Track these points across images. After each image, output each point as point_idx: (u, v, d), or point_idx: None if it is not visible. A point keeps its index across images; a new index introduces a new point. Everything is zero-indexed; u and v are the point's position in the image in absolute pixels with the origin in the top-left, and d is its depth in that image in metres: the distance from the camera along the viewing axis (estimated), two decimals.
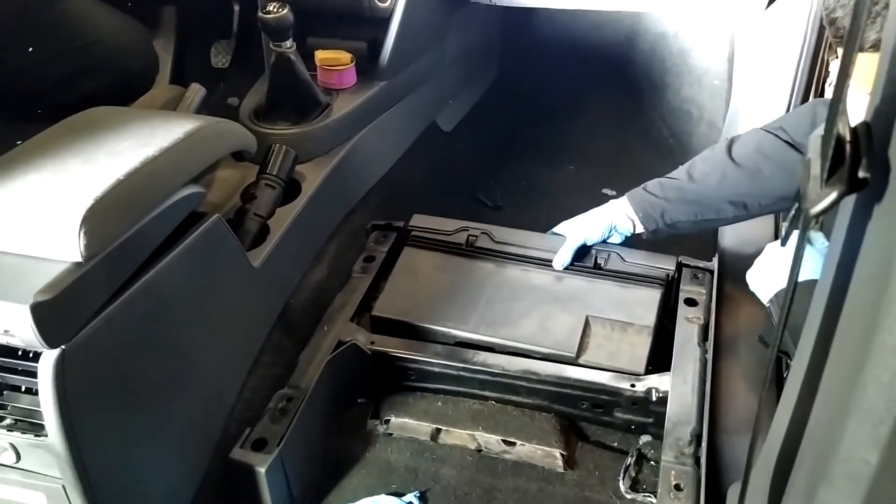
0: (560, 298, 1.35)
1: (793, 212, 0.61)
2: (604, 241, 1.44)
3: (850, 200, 0.46)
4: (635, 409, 1.23)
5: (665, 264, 1.38)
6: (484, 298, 1.36)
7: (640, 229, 1.40)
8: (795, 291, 0.51)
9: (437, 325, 1.33)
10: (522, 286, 1.38)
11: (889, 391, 0.39)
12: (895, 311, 0.38)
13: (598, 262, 1.41)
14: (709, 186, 1.32)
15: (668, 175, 1.39)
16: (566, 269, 1.41)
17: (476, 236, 1.49)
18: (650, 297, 1.33)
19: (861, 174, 0.40)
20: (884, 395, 0.39)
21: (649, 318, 1.29)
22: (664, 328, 1.32)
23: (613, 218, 1.41)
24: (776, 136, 1.30)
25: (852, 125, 0.42)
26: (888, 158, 0.40)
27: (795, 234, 0.52)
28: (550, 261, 1.42)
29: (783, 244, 1.15)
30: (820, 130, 0.45)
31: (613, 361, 1.24)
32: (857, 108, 0.65)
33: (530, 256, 1.45)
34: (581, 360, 1.25)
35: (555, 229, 1.49)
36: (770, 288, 1.14)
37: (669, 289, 1.37)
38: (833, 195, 0.41)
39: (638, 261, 1.39)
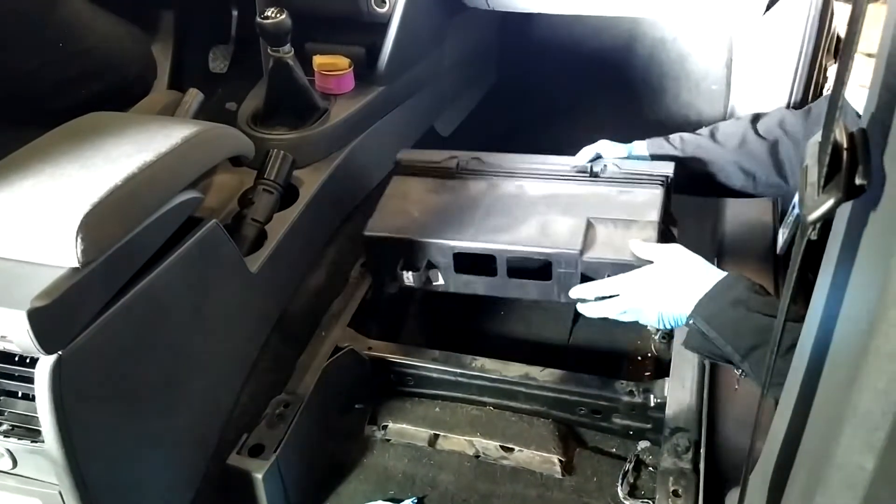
0: (559, 204, 1.29)
1: (790, 217, 0.61)
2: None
3: (847, 207, 0.46)
4: (633, 414, 1.23)
5: (662, 169, 1.32)
6: (480, 211, 1.30)
7: None
8: (793, 295, 0.51)
9: (433, 239, 1.26)
10: (519, 197, 1.33)
11: (885, 397, 0.39)
12: (891, 317, 0.38)
13: (595, 171, 1.35)
14: (727, 148, 1.32)
15: (694, 133, 1.39)
16: (562, 176, 1.36)
17: (467, 161, 1.43)
18: (651, 196, 1.28)
19: (858, 181, 0.40)
20: (880, 401, 0.39)
21: (652, 214, 1.24)
22: (667, 231, 1.28)
23: (633, 147, 1.40)
24: (799, 116, 1.31)
25: (849, 132, 0.42)
26: (884, 165, 0.40)
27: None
28: (547, 174, 1.38)
29: (781, 251, 1.16)
30: (817, 137, 0.45)
31: (620, 255, 1.18)
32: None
33: (526, 170, 1.39)
34: (586, 257, 1.19)
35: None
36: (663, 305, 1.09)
37: (669, 190, 1.31)
38: (830, 202, 0.41)
39: (634, 167, 1.34)
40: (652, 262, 1.13)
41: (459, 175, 1.40)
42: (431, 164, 1.42)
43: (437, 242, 1.26)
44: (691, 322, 1.04)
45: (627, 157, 1.38)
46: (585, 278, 1.21)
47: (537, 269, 1.23)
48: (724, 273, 1.06)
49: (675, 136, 1.39)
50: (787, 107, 1.59)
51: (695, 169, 1.34)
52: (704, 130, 1.38)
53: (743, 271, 1.35)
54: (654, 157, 1.37)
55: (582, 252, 1.19)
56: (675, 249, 1.13)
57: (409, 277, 1.27)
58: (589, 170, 1.35)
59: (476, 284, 1.28)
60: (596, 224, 1.25)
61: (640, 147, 1.40)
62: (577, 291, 1.19)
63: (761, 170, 1.31)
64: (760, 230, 1.47)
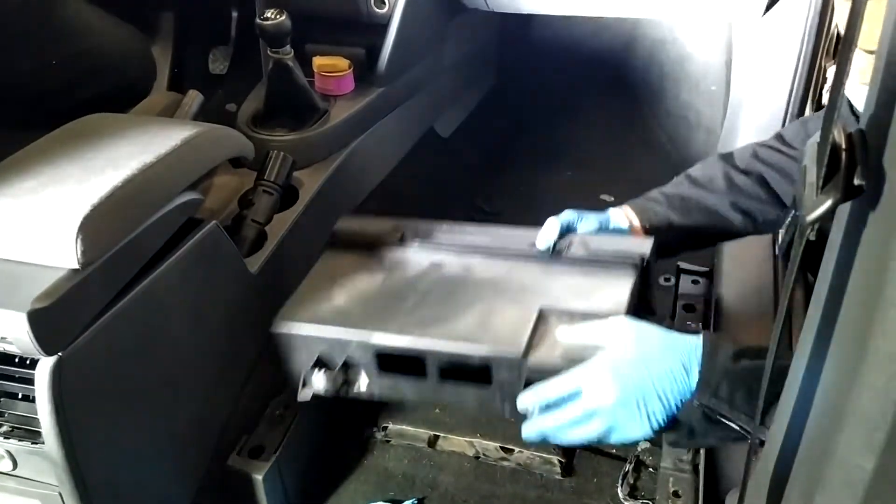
0: (509, 290, 1.07)
1: (789, 219, 0.61)
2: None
3: (846, 208, 0.46)
4: None
5: (637, 247, 1.09)
6: (414, 297, 1.07)
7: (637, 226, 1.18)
8: (791, 301, 0.51)
9: (351, 332, 1.01)
10: (464, 281, 1.10)
11: (884, 397, 0.39)
12: (890, 317, 0.38)
13: (558, 249, 1.11)
14: (717, 192, 1.18)
15: (669, 185, 1.24)
16: (517, 256, 1.12)
17: (414, 232, 1.19)
18: (619, 283, 1.04)
19: (856, 182, 0.40)
20: (879, 401, 0.39)
21: (619, 304, 1.00)
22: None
23: (610, 215, 1.18)
24: (772, 146, 1.22)
25: (847, 132, 0.42)
26: (883, 166, 0.40)
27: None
28: (502, 250, 1.14)
29: (780, 251, 1.13)
30: (816, 137, 0.45)
31: (575, 358, 0.92)
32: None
33: (480, 246, 1.15)
34: (532, 361, 0.94)
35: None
36: None
37: (645, 274, 1.09)
38: (828, 203, 0.41)
39: (605, 245, 1.10)
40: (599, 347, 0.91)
41: (400, 249, 1.17)
42: (370, 236, 1.18)
43: (356, 338, 1.01)
44: (696, 404, 0.84)
45: (601, 231, 1.15)
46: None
47: (476, 370, 0.98)
48: (690, 336, 0.89)
49: (654, 194, 1.21)
50: (787, 106, 1.60)
51: (691, 222, 1.17)
52: (680, 180, 1.23)
53: (742, 274, 1.36)
54: (645, 226, 1.17)
55: (526, 354, 0.94)
56: (620, 324, 0.93)
57: (319, 380, 1.03)
58: (551, 247, 1.12)
59: (404, 388, 1.04)
60: (549, 316, 1.01)
61: (618, 215, 1.18)
62: (524, 399, 0.92)
63: (758, 206, 1.18)
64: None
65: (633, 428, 0.87)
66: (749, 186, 1.18)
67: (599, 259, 1.07)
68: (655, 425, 0.86)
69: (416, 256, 1.15)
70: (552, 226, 1.12)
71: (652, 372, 0.86)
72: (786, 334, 1.18)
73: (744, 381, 0.82)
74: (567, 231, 1.13)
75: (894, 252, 0.37)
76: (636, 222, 1.18)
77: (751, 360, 0.83)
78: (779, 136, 1.24)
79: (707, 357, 0.85)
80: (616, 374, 0.87)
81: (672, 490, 1.07)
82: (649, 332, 0.90)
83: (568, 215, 1.14)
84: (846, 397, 0.42)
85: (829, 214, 0.42)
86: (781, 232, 1.17)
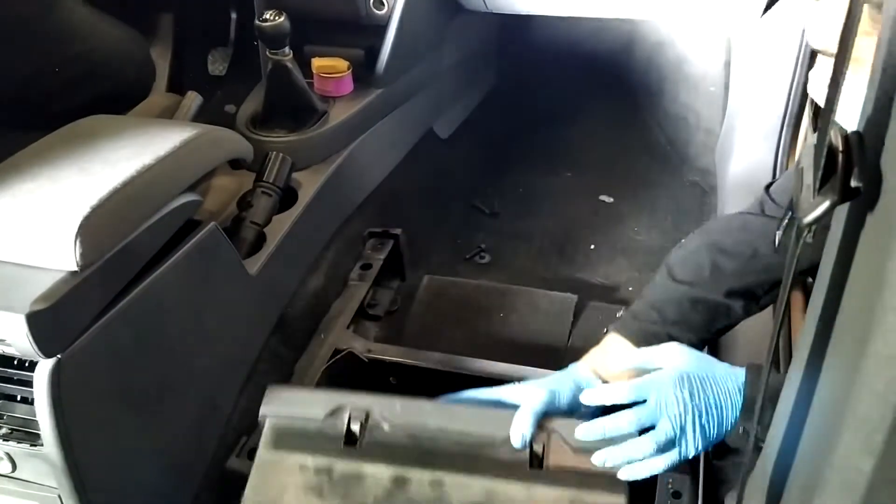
0: None
1: (786, 220, 0.61)
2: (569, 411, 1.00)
3: (843, 209, 0.46)
4: None
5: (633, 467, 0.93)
6: None
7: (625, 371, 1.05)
8: (787, 306, 0.51)
9: None
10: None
11: (883, 400, 0.39)
12: (889, 320, 0.38)
13: (535, 450, 0.94)
14: (707, 286, 1.05)
15: (649, 290, 1.10)
16: (495, 468, 0.94)
17: (362, 421, 0.97)
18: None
19: (853, 183, 0.40)
20: (878, 404, 0.39)
21: None
22: None
23: (581, 375, 1.05)
24: (759, 214, 1.11)
25: (844, 134, 0.42)
26: (880, 167, 0.40)
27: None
28: (476, 453, 0.95)
29: (776, 251, 1.12)
30: (813, 139, 0.45)
31: None
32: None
33: (446, 451, 0.95)
34: None
35: (501, 394, 1.03)
36: None
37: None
38: (825, 204, 0.41)
39: (587, 442, 0.93)
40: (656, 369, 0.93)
41: (356, 459, 0.96)
42: (309, 431, 0.98)
43: None
44: (741, 430, 0.87)
45: (580, 413, 1.00)
46: None
47: None
48: (738, 368, 0.92)
49: (644, 311, 1.07)
50: (785, 107, 1.60)
51: (693, 329, 1.06)
52: (662, 279, 1.10)
53: None
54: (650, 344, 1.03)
55: None
56: (676, 348, 0.96)
57: None
58: (528, 453, 0.94)
59: None
60: None
61: (587, 372, 1.06)
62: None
63: (754, 280, 1.06)
64: None
65: (687, 447, 0.90)
66: (741, 266, 1.06)
67: (587, 476, 0.92)
68: (705, 445, 0.90)
69: (374, 470, 0.94)
70: (524, 419, 0.95)
71: (713, 397, 0.89)
72: (785, 336, 1.18)
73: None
74: (543, 414, 0.97)
75: (892, 254, 0.37)
76: (616, 367, 1.04)
77: None
78: (760, 204, 1.13)
79: (749, 385, 0.88)
80: (682, 388, 0.90)
81: (671, 491, 1.07)
82: (707, 358, 0.94)
83: (539, 399, 0.97)
84: (845, 400, 0.42)
85: (827, 216, 0.42)
86: (779, 233, 1.16)
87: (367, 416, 0.97)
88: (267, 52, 1.41)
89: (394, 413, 0.98)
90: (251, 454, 1.14)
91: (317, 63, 1.56)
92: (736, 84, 1.87)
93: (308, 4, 1.60)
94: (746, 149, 1.69)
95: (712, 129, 2.07)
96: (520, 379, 1.26)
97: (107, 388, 0.94)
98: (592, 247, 1.89)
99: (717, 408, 0.89)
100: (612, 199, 2.07)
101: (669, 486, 1.08)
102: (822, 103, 0.93)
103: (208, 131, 1.15)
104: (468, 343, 1.45)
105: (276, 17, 1.35)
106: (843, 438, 0.42)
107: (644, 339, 1.04)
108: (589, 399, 0.95)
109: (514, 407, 0.97)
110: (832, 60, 0.83)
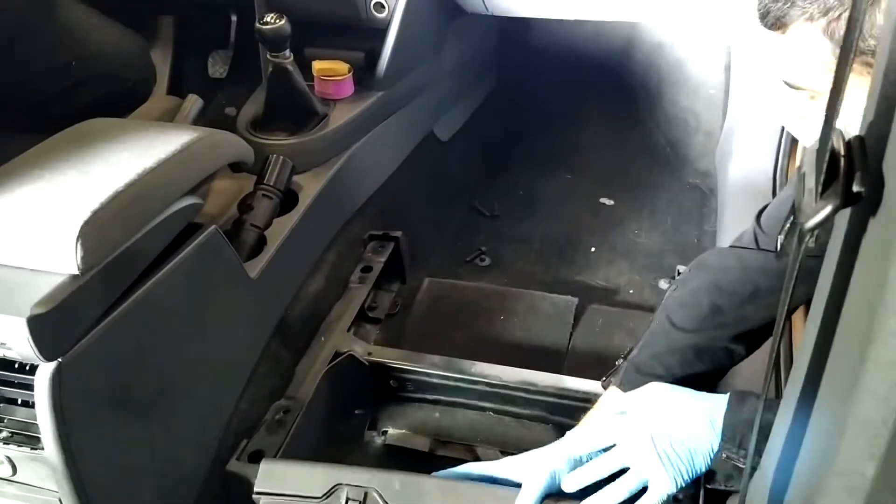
0: None
1: (788, 225, 0.61)
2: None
3: (845, 214, 0.46)
4: None
5: None
6: None
7: None
8: (788, 311, 0.51)
9: None
10: None
11: (885, 404, 0.39)
12: (891, 325, 0.38)
13: None
14: (709, 332, 1.03)
15: (649, 338, 1.07)
16: None
17: (360, 501, 0.95)
18: None
19: (855, 188, 0.40)
20: (880, 408, 0.39)
21: None
22: None
23: (577, 449, 0.96)
24: (753, 249, 1.08)
25: (846, 139, 0.42)
26: (882, 172, 0.40)
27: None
28: None
29: (778, 258, 1.11)
30: (815, 144, 0.45)
31: None
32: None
33: None
34: None
35: (500, 471, 0.98)
36: None
37: None
38: (828, 209, 0.41)
39: None
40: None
41: None
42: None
43: None
44: (723, 456, 0.87)
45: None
46: None
47: None
48: (718, 395, 0.91)
49: (646, 361, 1.04)
50: None
51: (699, 378, 1.03)
52: (662, 326, 1.07)
53: None
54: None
55: None
56: (653, 392, 0.95)
57: None
58: None
59: None
60: None
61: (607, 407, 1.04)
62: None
63: (759, 318, 1.03)
64: None
65: (664, 483, 0.89)
66: (743, 308, 1.03)
67: None
68: (682, 482, 0.90)
69: None
70: (529, 495, 0.92)
71: (678, 432, 0.89)
72: (786, 340, 1.18)
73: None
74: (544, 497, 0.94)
75: (894, 258, 0.37)
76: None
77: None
78: (758, 229, 1.10)
79: (730, 412, 0.88)
80: (650, 438, 0.89)
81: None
82: (678, 397, 0.93)
83: (539, 484, 0.92)
84: (847, 404, 0.42)
85: (828, 221, 0.42)
86: (780, 238, 1.16)
87: (365, 497, 0.96)
88: (267, 55, 1.41)
89: (392, 492, 0.96)
90: (252, 457, 1.14)
91: (317, 66, 1.57)
92: (736, 87, 1.87)
93: (308, 7, 1.60)
94: (746, 151, 1.70)
95: (712, 131, 2.07)
96: (520, 382, 1.26)
97: (107, 392, 0.94)
98: (593, 249, 1.89)
99: (686, 444, 0.89)
100: (612, 202, 2.07)
101: None
102: (798, 136, 0.94)
103: (209, 134, 1.15)
104: (468, 346, 1.46)
105: (277, 20, 1.35)
106: (845, 443, 0.42)
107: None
108: (570, 487, 0.92)
109: (513, 484, 0.95)
110: (800, 94, 0.84)
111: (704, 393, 0.93)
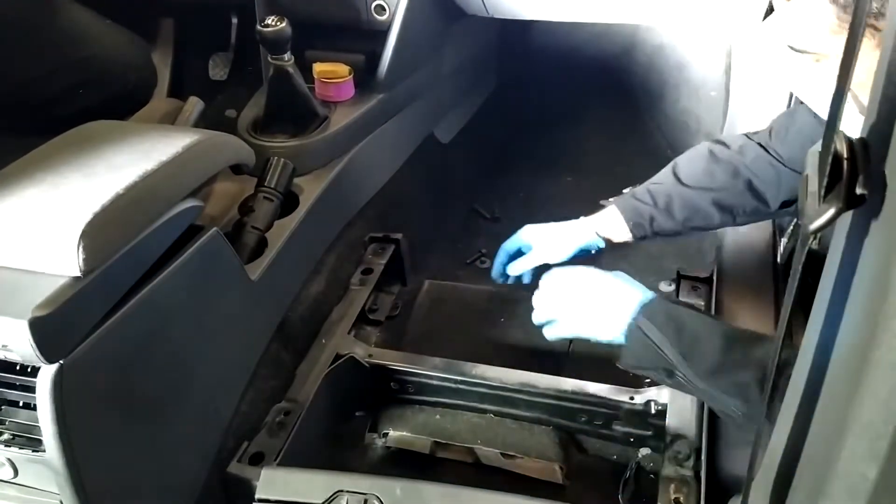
0: None
1: (791, 227, 0.61)
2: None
3: (848, 216, 0.46)
4: (634, 421, 1.23)
5: None
6: None
7: (620, 238, 1.34)
8: (792, 312, 0.51)
9: None
10: None
11: (887, 406, 0.39)
12: (893, 327, 0.38)
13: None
14: (699, 189, 1.28)
15: (655, 177, 1.34)
16: None
17: None
18: None
19: (858, 191, 0.40)
20: (882, 410, 0.39)
21: None
22: None
23: (584, 238, 1.34)
24: (759, 146, 1.28)
25: (849, 141, 0.42)
26: (885, 175, 0.40)
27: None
28: None
29: (782, 261, 1.16)
30: (817, 146, 0.45)
31: None
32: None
33: None
34: None
35: (519, 234, 1.38)
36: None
37: None
38: (831, 212, 0.41)
39: None
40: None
41: None
42: None
43: None
44: (635, 324, 1.03)
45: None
46: None
47: None
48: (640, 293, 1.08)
49: (641, 191, 1.33)
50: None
51: (675, 219, 1.29)
52: (665, 172, 1.34)
53: (742, 280, 1.36)
54: (634, 226, 1.31)
55: None
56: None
57: None
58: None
59: None
60: None
61: (603, 218, 1.34)
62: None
63: (738, 201, 1.27)
64: (760, 240, 1.47)
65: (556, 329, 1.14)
66: (731, 184, 1.27)
67: None
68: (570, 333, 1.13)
69: None
70: (526, 262, 1.27)
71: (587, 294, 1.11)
72: (788, 342, 1.18)
73: (676, 319, 1.00)
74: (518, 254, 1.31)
75: None
76: (620, 237, 1.33)
77: (687, 309, 1.02)
78: (768, 133, 1.29)
79: (656, 298, 1.06)
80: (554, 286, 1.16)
81: (673, 497, 1.07)
82: (614, 275, 1.13)
83: (539, 247, 1.30)
84: (849, 407, 0.42)
85: (831, 223, 0.42)
86: (783, 241, 1.17)
87: (366, 503, 0.97)
88: (268, 58, 1.41)
89: (393, 498, 0.97)
90: (252, 459, 1.14)
91: (318, 68, 1.57)
92: (737, 89, 1.87)
93: (309, 10, 1.60)
94: None
95: (713, 133, 2.07)
96: (521, 384, 1.26)
97: (109, 394, 0.94)
98: (593, 251, 1.88)
99: (588, 306, 1.10)
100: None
101: (671, 492, 1.08)
102: (801, 98, 1.05)
103: (210, 137, 1.15)
104: (469, 348, 1.45)
105: (278, 23, 1.35)
106: (847, 445, 0.42)
107: (634, 214, 1.31)
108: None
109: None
110: (806, 57, 0.88)
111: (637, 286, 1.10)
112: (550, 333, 1.17)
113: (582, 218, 1.36)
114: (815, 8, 0.84)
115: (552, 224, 1.37)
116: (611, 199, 1.35)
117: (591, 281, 1.13)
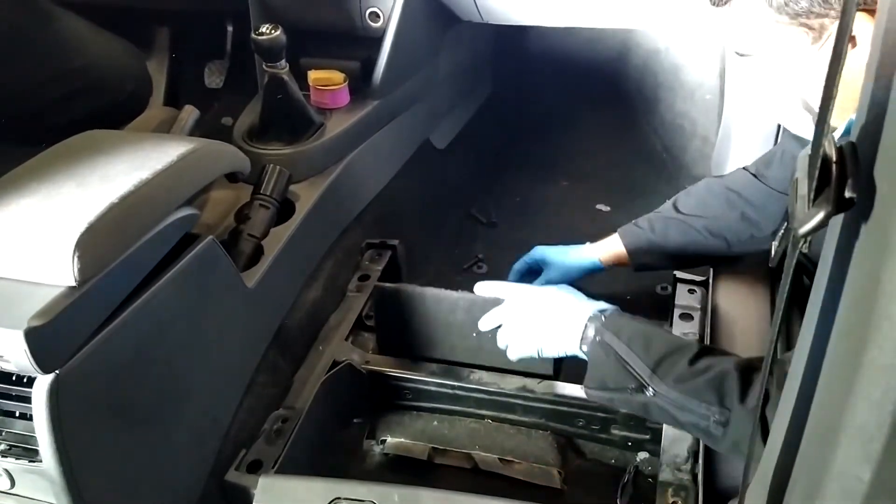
0: None
1: (781, 231, 0.62)
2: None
3: (838, 220, 0.46)
4: (632, 425, 1.23)
5: None
6: None
7: (621, 263, 1.46)
8: (786, 313, 0.51)
9: None
10: None
11: (880, 408, 0.39)
12: (885, 330, 0.38)
13: None
14: (691, 217, 1.37)
15: (660, 208, 1.44)
16: None
17: None
18: None
19: (847, 194, 0.40)
20: (875, 413, 0.40)
21: None
22: None
23: (588, 262, 1.48)
24: (752, 173, 1.36)
25: (838, 145, 0.42)
26: (874, 178, 0.40)
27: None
28: None
29: (773, 264, 1.18)
30: (807, 150, 0.45)
31: None
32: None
33: None
34: None
35: (531, 254, 1.53)
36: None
37: None
38: (820, 215, 0.41)
39: None
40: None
41: None
42: None
43: None
44: (598, 339, 1.04)
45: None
46: None
47: None
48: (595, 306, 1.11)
49: (643, 221, 1.43)
50: None
51: (670, 247, 1.38)
52: (666, 203, 1.43)
53: (738, 282, 1.36)
54: (628, 247, 1.42)
55: None
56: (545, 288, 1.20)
57: None
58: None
59: None
60: None
61: (604, 247, 1.46)
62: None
63: (733, 228, 1.34)
64: None
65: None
66: (724, 215, 1.35)
67: None
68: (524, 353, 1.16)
69: None
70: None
71: (560, 319, 1.11)
72: (782, 344, 1.19)
73: (643, 334, 1.02)
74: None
75: (887, 263, 0.38)
76: (613, 260, 1.46)
77: (650, 324, 1.04)
78: (761, 162, 1.37)
79: (616, 311, 1.09)
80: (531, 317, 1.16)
81: (671, 501, 1.07)
82: (567, 296, 1.15)
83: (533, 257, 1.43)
84: (842, 409, 0.42)
85: (821, 227, 0.42)
86: (775, 244, 1.18)
87: None
88: (263, 65, 1.42)
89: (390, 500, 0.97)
90: (250, 467, 1.14)
91: (313, 75, 1.57)
92: (731, 92, 1.87)
93: (304, 17, 1.61)
94: (742, 157, 1.70)
95: (708, 136, 2.07)
96: (518, 389, 1.26)
97: (105, 404, 0.94)
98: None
99: (536, 323, 1.13)
100: (608, 208, 2.07)
101: (669, 495, 1.08)
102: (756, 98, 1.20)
103: (205, 145, 1.15)
104: (466, 354, 1.45)
105: (272, 31, 1.36)
106: (841, 447, 0.42)
107: (633, 239, 1.42)
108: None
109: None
110: (748, 60, 0.93)
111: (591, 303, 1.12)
112: (512, 354, 1.19)
113: (588, 244, 1.50)
114: (752, 12, 0.88)
115: (560, 248, 1.51)
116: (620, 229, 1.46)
117: (539, 299, 1.16)
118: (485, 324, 1.23)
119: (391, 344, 1.35)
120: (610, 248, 1.46)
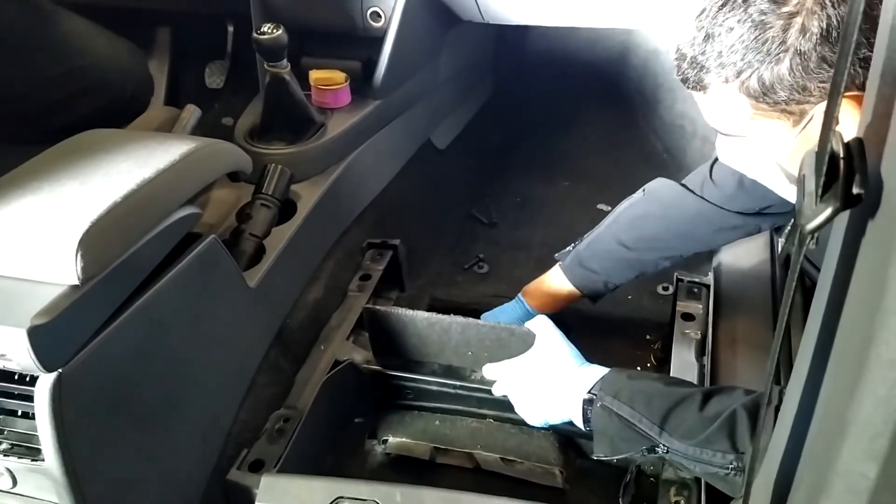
0: None
1: (788, 228, 0.62)
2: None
3: (845, 216, 0.46)
4: None
5: None
6: None
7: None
8: (790, 314, 0.51)
9: None
10: None
11: (886, 405, 0.39)
12: (891, 325, 0.38)
13: None
14: (644, 252, 1.37)
15: (596, 240, 1.41)
16: None
17: None
18: None
19: (855, 190, 0.40)
20: (881, 409, 0.39)
21: None
22: None
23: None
24: (697, 195, 1.34)
25: (845, 141, 0.42)
26: (881, 174, 0.40)
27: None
28: None
29: (780, 260, 1.18)
30: (814, 147, 0.45)
31: None
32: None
33: None
34: None
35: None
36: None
37: None
38: (828, 211, 0.41)
39: None
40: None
41: None
42: None
43: None
44: (598, 405, 1.02)
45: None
46: None
47: None
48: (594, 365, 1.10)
49: (592, 262, 1.40)
50: None
51: (628, 274, 1.40)
52: (610, 229, 1.41)
53: (741, 282, 1.36)
54: (590, 292, 1.42)
55: None
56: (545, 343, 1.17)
57: None
58: None
59: None
60: None
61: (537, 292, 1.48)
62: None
63: (686, 249, 1.37)
64: (757, 243, 1.47)
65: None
66: (676, 241, 1.36)
67: None
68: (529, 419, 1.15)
69: None
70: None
71: (552, 389, 1.10)
72: (786, 342, 1.19)
73: (643, 391, 0.99)
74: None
75: (893, 259, 0.38)
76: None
77: (649, 379, 1.01)
78: (708, 179, 1.34)
79: (609, 373, 1.05)
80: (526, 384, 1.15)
81: (674, 500, 1.07)
82: (561, 356, 1.13)
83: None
84: (848, 405, 0.42)
85: (829, 223, 0.42)
86: (781, 240, 1.18)
87: None
88: (265, 65, 1.42)
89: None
90: (252, 466, 1.14)
91: (314, 75, 1.57)
92: None
93: (305, 17, 1.61)
94: None
95: (708, 137, 2.07)
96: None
97: (108, 402, 0.94)
98: None
99: (537, 397, 1.11)
100: (609, 208, 2.07)
101: (672, 495, 1.08)
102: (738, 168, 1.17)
103: (207, 144, 1.15)
104: (467, 353, 1.45)
105: (274, 31, 1.36)
106: (846, 444, 0.42)
107: (582, 283, 1.40)
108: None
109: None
110: (733, 138, 0.96)
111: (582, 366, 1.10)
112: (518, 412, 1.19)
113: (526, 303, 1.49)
114: (730, 100, 0.90)
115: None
116: (558, 256, 1.48)
117: (530, 377, 1.15)
118: (496, 390, 1.22)
119: (387, 358, 1.34)
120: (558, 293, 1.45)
